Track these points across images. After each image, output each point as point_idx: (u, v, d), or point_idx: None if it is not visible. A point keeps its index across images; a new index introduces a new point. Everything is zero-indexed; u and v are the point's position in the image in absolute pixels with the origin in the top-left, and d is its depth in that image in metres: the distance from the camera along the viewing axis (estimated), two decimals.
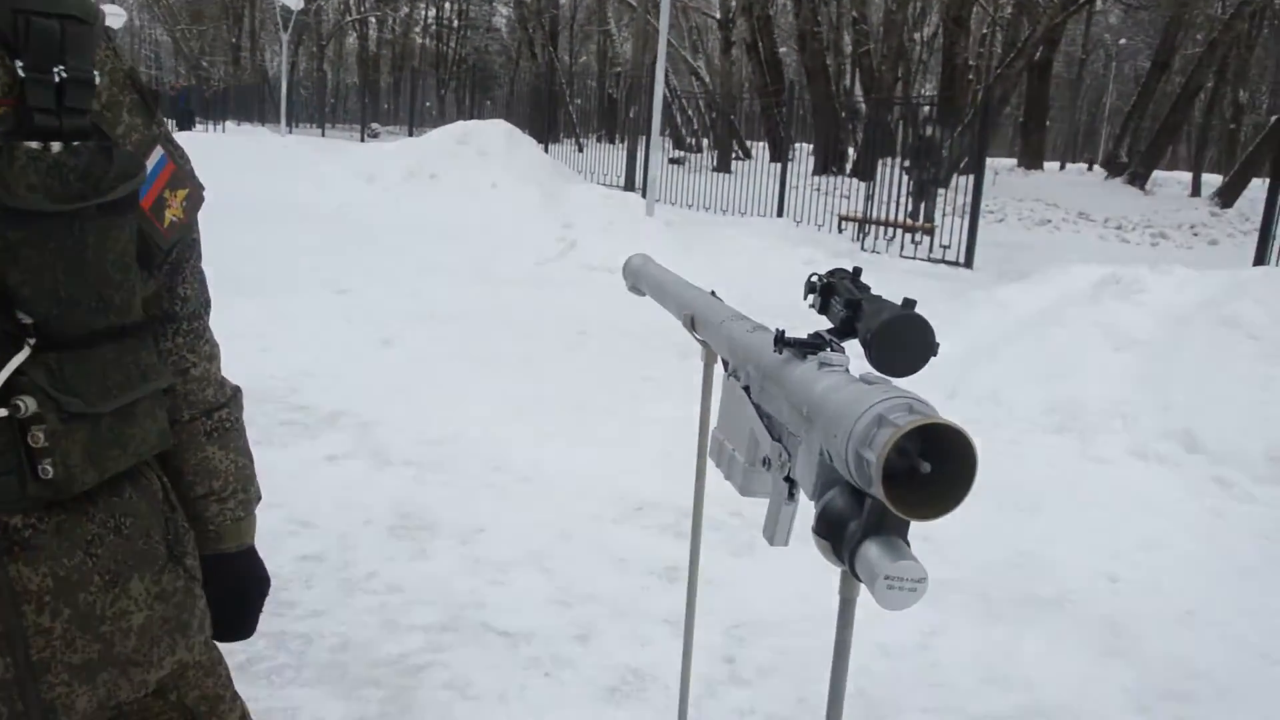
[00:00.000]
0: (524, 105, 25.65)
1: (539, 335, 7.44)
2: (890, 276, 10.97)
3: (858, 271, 1.34)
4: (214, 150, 19.42)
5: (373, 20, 47.51)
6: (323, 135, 30.22)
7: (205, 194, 1.29)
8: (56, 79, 1.05)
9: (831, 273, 1.35)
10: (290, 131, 26.14)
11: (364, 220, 12.66)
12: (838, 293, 1.30)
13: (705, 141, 25.78)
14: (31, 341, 1.05)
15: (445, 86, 48.77)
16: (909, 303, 1.19)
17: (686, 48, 32.59)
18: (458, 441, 4.97)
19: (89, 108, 1.09)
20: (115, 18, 26.19)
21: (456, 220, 12.41)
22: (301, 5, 25.12)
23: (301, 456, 4.66)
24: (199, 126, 28.34)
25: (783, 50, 31.61)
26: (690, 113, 29.34)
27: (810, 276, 1.35)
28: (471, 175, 13.79)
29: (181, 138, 22.72)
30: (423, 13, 49.99)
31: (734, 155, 21.50)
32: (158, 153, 1.21)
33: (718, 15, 31.83)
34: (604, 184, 16.08)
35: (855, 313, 1.24)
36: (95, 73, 1.10)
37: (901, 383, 1.16)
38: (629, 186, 16.74)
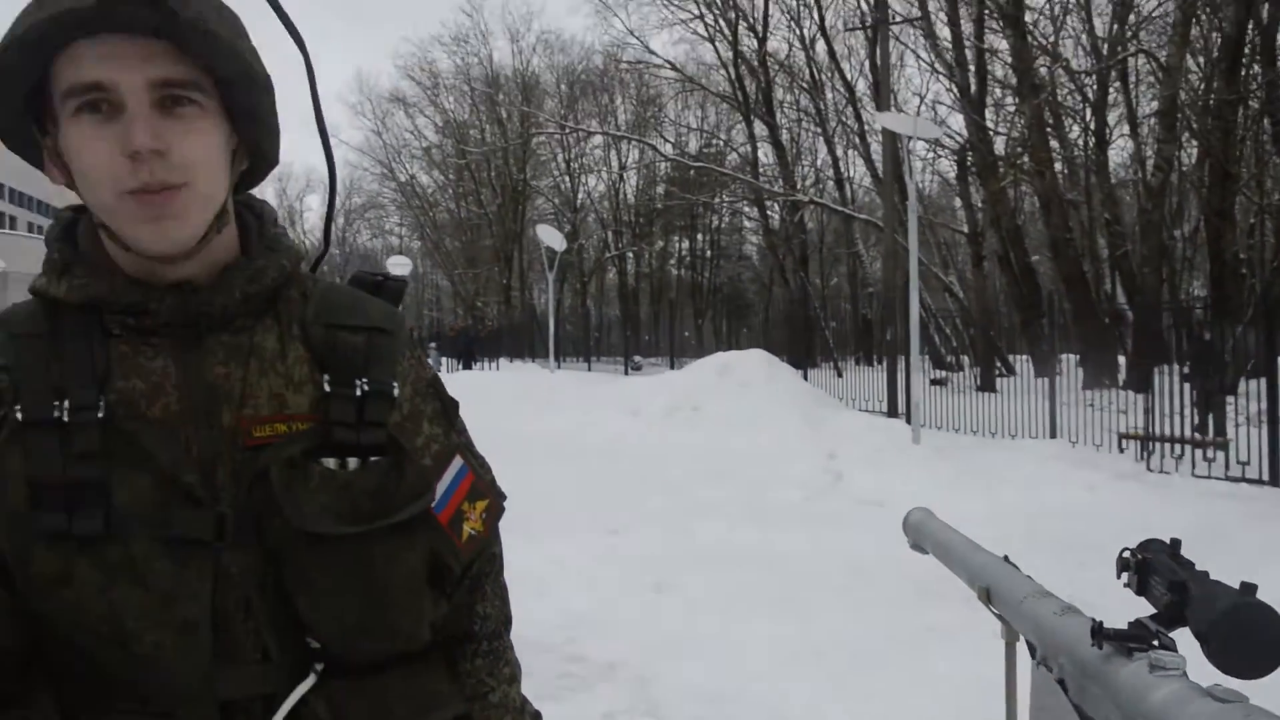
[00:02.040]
0: (779, 330, 26.10)
1: (810, 577, 7.22)
2: (1184, 500, 10.14)
3: (1176, 545, 1.18)
4: (489, 387, 20.65)
5: (630, 255, 50.30)
6: (589, 369, 31.61)
7: (505, 503, 1.21)
8: (358, 392, 1.04)
9: (1146, 546, 1.20)
10: (559, 366, 27.47)
11: (630, 454, 12.91)
12: (1157, 572, 1.14)
13: (965, 359, 25.30)
14: (319, 668, 1.00)
15: (702, 316, 50.57)
16: (1248, 588, 1.02)
17: (937, 264, 32.51)
18: (739, 700, 4.81)
19: (387, 420, 1.06)
20: (401, 267, 28.89)
21: (721, 453, 12.49)
22: (565, 246, 26.84)
23: (579, 714, 4.61)
24: (476, 365, 30.13)
25: (1035, 259, 31.00)
26: (947, 330, 29.01)
27: (1122, 552, 1.21)
28: (734, 406, 13.94)
29: (462, 377, 24.35)
30: (677, 245, 52.65)
31: (997, 372, 20.93)
32: (457, 463, 1.14)
33: (966, 229, 31.82)
34: (865, 409, 15.94)
35: (1182, 597, 1.08)
36: (395, 384, 1.07)
37: (1255, 692, 0.98)
38: (892, 411, 16.50)
